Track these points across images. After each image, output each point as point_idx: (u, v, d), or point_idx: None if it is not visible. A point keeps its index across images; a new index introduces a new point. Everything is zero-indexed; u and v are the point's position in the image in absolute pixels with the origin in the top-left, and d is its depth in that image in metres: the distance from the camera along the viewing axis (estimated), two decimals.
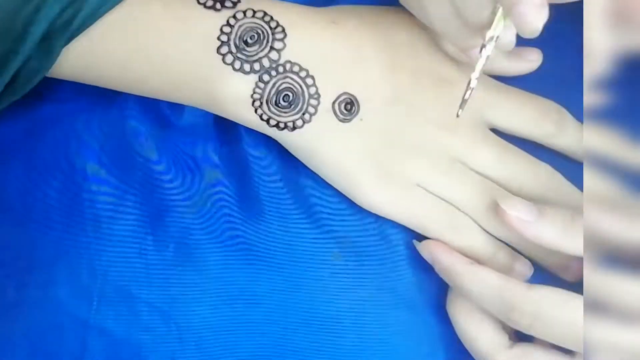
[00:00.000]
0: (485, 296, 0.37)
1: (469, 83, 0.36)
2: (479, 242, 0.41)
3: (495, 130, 0.43)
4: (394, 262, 0.42)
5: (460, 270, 0.39)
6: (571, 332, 0.35)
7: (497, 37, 0.34)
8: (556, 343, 0.36)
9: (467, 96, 0.37)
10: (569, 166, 0.43)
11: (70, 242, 0.42)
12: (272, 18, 0.39)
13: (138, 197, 0.42)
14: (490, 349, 0.38)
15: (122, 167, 0.43)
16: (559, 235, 0.37)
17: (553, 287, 0.36)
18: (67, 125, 0.43)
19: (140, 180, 0.42)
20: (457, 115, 0.38)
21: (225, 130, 0.43)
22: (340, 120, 0.40)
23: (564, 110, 0.43)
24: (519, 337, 0.39)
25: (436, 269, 0.40)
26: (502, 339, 0.39)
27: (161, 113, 0.43)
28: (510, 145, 0.42)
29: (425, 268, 0.41)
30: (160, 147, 0.43)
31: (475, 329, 0.39)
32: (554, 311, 0.36)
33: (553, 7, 0.32)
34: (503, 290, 0.37)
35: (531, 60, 0.43)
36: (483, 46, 0.35)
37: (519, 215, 0.38)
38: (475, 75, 0.36)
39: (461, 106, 0.37)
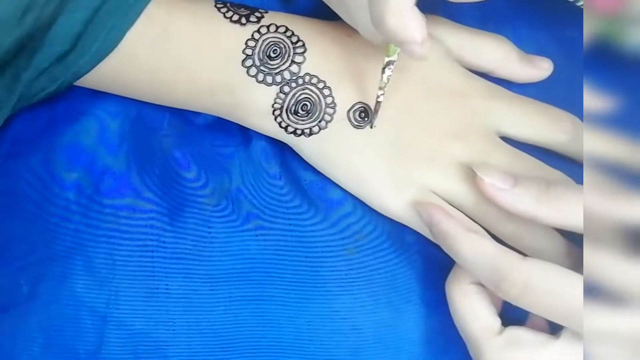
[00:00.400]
0: (478, 263, 0.38)
1: (377, 97, 0.41)
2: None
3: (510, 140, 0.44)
4: (408, 257, 0.44)
5: (456, 235, 0.39)
6: (559, 304, 0.36)
7: (394, 61, 0.39)
8: (543, 315, 0.37)
9: (377, 108, 0.41)
10: (577, 171, 0.43)
11: (88, 235, 0.43)
12: (293, 33, 0.42)
13: (158, 191, 0.44)
14: (483, 333, 0.39)
15: (141, 161, 0.44)
16: (533, 204, 0.38)
17: (546, 260, 0.36)
18: (86, 121, 0.44)
19: (160, 174, 0.44)
20: (372, 127, 0.42)
21: (240, 127, 0.45)
22: (355, 127, 0.42)
23: (577, 119, 0.44)
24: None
25: (432, 232, 0.40)
26: (495, 323, 0.39)
27: (180, 109, 0.45)
28: (521, 153, 0.43)
29: (438, 264, 0.42)
30: (181, 142, 0.44)
31: (470, 312, 0.39)
32: (544, 283, 0.36)
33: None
34: (496, 259, 0.37)
35: (543, 68, 0.46)
36: (383, 69, 0.40)
37: (495, 182, 0.39)
38: (380, 92, 0.41)
39: (373, 119, 0.42)
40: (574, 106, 0.45)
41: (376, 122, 0.42)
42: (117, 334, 0.42)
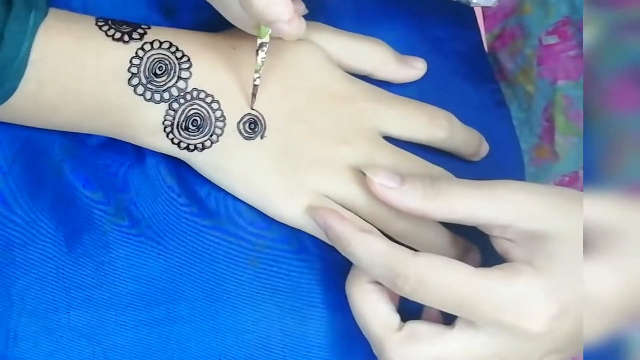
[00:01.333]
0: (372, 262, 0.38)
1: (253, 80, 0.42)
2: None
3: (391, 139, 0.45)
4: (309, 262, 0.44)
5: (349, 236, 0.39)
6: (450, 294, 0.37)
7: (267, 43, 0.40)
8: (437, 307, 0.38)
9: (255, 91, 0.42)
10: (458, 165, 0.47)
11: None
12: (177, 48, 0.42)
13: (52, 217, 0.42)
14: (383, 330, 0.39)
15: (32, 188, 0.42)
16: (420, 201, 0.39)
17: (437, 254, 0.37)
18: None
19: (53, 200, 0.42)
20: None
21: (133, 145, 0.44)
22: (246, 139, 0.43)
23: (451, 115, 0.46)
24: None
25: (327, 236, 0.41)
26: (394, 320, 0.39)
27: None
28: (405, 151, 0.45)
29: (338, 267, 0.43)
30: (74, 164, 0.43)
31: (370, 310, 0.40)
32: (435, 276, 0.37)
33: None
34: (389, 256, 0.38)
35: (418, 68, 0.48)
36: (257, 51, 0.41)
37: (383, 182, 0.40)
38: (256, 75, 0.42)
39: (252, 102, 0.42)
40: (446, 102, 0.47)
41: (266, 132, 0.43)
42: None
